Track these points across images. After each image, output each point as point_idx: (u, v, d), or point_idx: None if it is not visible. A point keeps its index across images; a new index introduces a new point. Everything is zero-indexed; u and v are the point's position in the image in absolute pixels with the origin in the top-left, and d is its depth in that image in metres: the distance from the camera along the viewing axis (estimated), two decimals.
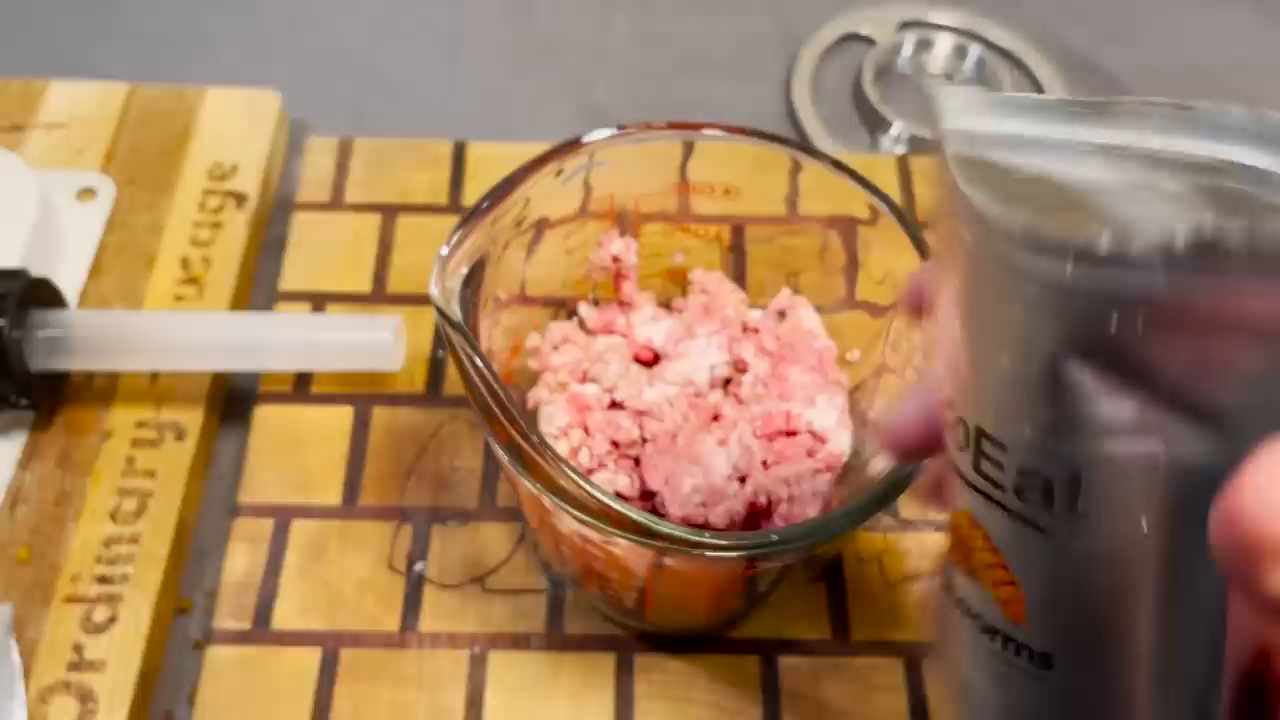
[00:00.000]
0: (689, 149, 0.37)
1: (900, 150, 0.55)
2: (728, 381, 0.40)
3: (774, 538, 0.29)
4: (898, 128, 0.55)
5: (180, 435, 0.42)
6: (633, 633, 0.39)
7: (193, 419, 0.43)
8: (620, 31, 0.60)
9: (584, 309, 0.41)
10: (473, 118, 0.56)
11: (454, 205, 0.49)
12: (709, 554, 0.29)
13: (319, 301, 0.46)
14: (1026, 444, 0.19)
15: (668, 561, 0.31)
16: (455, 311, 0.31)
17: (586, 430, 0.37)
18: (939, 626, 0.24)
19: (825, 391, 0.38)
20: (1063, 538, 0.20)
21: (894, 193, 0.50)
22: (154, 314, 0.45)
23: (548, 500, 0.29)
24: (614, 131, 0.35)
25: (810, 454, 0.37)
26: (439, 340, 0.46)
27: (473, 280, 0.32)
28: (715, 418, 0.38)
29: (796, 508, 0.36)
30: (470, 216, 0.33)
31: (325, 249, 0.48)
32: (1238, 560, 0.16)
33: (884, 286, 0.36)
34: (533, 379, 0.39)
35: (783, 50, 0.59)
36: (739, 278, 0.42)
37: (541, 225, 0.36)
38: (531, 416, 0.38)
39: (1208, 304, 0.16)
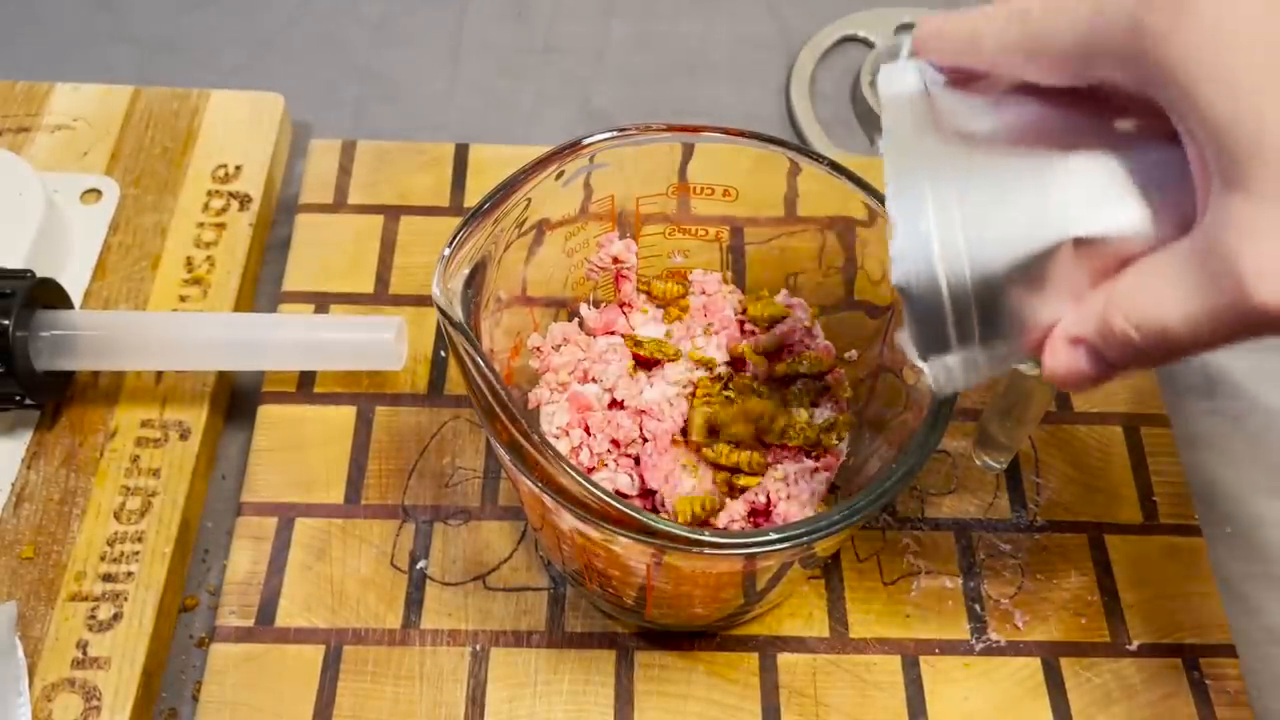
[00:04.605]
0: (688, 151, 0.37)
1: None
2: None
3: (772, 536, 0.29)
4: None
5: (184, 434, 0.43)
6: (633, 630, 0.39)
7: (197, 418, 0.43)
8: (620, 34, 0.60)
9: (584, 309, 0.41)
10: (474, 120, 0.56)
11: (456, 207, 0.50)
12: (708, 552, 0.29)
13: (322, 302, 0.47)
14: None
15: (668, 559, 0.31)
16: (457, 312, 0.31)
17: (587, 429, 0.37)
18: None
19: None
20: None
21: None
22: (158, 314, 0.45)
23: (549, 499, 0.30)
24: (614, 134, 0.35)
25: (808, 453, 0.38)
26: (441, 340, 0.46)
27: (474, 281, 0.33)
28: None
29: (795, 507, 0.36)
30: (472, 218, 0.33)
31: (328, 250, 0.48)
32: None
33: (881, 286, 0.37)
34: (534, 379, 0.39)
35: (781, 53, 0.60)
36: (738, 278, 0.42)
37: (542, 226, 0.37)
38: (532, 416, 0.38)
39: None
